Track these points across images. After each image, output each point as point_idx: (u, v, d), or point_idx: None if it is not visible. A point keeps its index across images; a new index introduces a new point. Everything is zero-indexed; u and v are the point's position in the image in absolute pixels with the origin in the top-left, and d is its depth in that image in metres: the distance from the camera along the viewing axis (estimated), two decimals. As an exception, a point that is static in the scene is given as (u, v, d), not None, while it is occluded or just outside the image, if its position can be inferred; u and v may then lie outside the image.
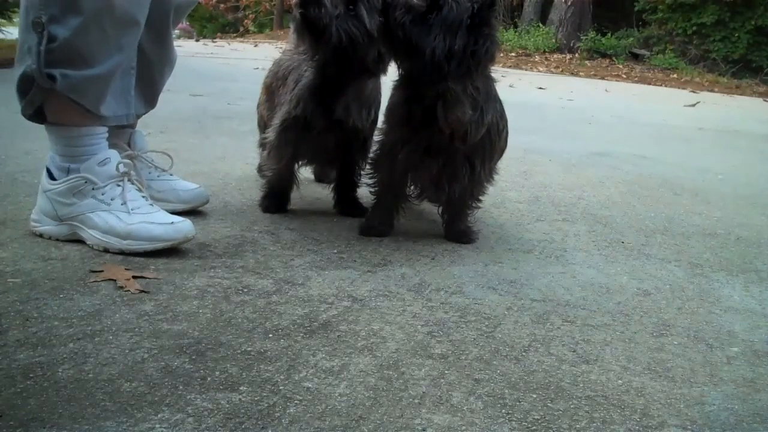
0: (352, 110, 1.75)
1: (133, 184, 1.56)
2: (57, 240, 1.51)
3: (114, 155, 1.55)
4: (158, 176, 1.78)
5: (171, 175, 1.80)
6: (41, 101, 1.47)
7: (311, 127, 1.76)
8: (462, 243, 1.78)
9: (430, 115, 1.60)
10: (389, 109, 1.72)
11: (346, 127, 1.77)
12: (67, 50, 1.41)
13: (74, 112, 1.49)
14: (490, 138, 1.69)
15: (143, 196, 1.56)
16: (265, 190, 1.90)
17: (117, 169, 1.53)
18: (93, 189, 1.51)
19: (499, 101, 1.72)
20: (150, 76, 1.72)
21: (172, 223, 1.51)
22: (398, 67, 1.65)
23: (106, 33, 1.44)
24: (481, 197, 1.83)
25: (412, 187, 1.80)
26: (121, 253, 1.47)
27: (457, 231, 1.80)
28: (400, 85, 1.68)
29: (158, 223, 1.50)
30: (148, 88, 1.74)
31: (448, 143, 1.64)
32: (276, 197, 1.88)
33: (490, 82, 1.66)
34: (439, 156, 1.67)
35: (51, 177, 1.54)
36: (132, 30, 1.50)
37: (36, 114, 1.50)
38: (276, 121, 1.82)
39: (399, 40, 1.54)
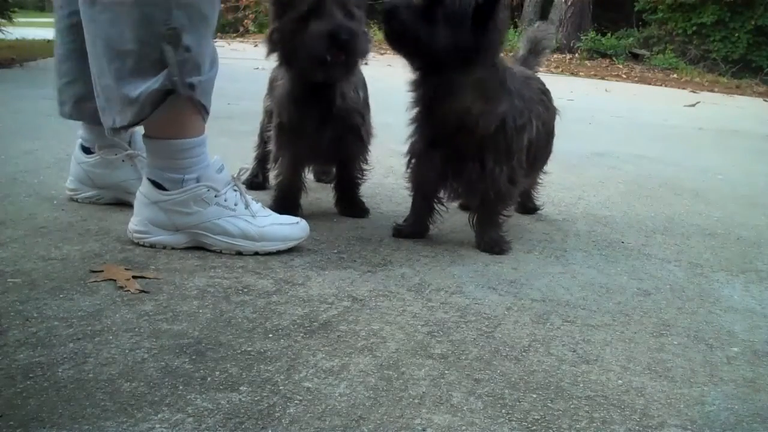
0: (346, 93, 1.76)
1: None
2: (59, 242, 1.51)
3: (220, 159, 1.58)
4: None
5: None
6: (167, 113, 1.46)
7: (302, 128, 1.76)
8: (493, 254, 1.70)
9: (436, 105, 1.60)
10: (412, 113, 1.70)
11: (336, 111, 1.75)
12: (197, 57, 1.44)
13: (194, 122, 1.51)
14: (505, 134, 1.64)
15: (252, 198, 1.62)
16: (275, 194, 1.88)
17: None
18: (215, 196, 1.53)
19: (524, 97, 1.69)
20: None
21: (298, 222, 1.61)
22: (409, 65, 1.64)
23: (211, 36, 1.48)
24: (506, 202, 1.75)
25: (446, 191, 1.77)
26: (255, 254, 1.54)
27: (487, 240, 1.73)
28: (414, 85, 1.66)
29: (286, 224, 1.59)
30: None
31: (453, 135, 1.62)
32: (285, 203, 1.85)
33: (502, 74, 1.63)
34: (444, 148, 1.64)
35: (160, 187, 1.52)
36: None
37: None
38: (272, 129, 1.85)
39: (404, 38, 1.54)
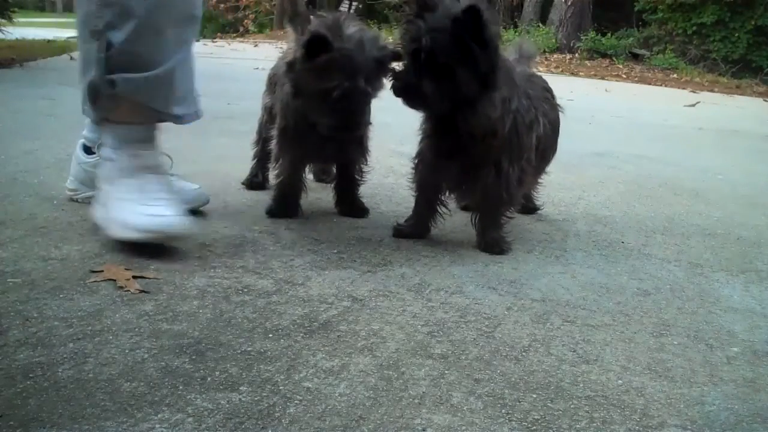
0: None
1: None
2: (59, 242, 1.51)
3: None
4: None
5: (171, 175, 1.80)
6: (112, 107, 1.52)
7: (305, 134, 1.76)
8: (493, 254, 1.70)
9: (462, 121, 1.59)
10: (422, 122, 1.71)
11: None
12: (125, 55, 1.44)
13: (143, 112, 1.54)
14: (517, 133, 1.64)
15: None
16: (275, 194, 1.88)
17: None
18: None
19: (530, 95, 1.70)
20: None
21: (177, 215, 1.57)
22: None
23: (162, 32, 1.47)
24: (511, 203, 1.75)
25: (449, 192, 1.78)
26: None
27: (488, 240, 1.73)
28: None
29: (158, 215, 1.55)
30: None
31: (474, 143, 1.61)
32: (285, 203, 1.85)
33: (508, 71, 1.61)
34: (460, 157, 1.64)
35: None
36: (189, 26, 1.52)
37: (105, 119, 1.58)
38: (275, 130, 1.85)
39: (440, 103, 1.56)
